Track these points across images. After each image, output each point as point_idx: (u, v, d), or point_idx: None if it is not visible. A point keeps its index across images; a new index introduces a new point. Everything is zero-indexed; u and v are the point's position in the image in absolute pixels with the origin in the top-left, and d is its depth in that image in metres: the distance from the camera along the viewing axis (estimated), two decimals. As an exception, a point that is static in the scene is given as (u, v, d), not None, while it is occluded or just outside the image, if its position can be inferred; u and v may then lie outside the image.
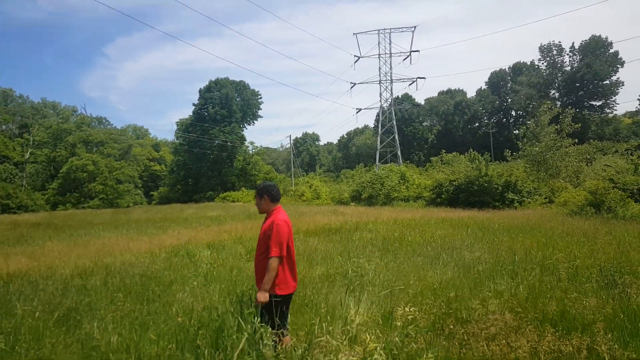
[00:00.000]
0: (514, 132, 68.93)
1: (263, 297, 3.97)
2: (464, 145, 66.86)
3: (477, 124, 78.90)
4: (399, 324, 4.52)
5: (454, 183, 26.12)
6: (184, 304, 5.80)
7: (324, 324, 4.36)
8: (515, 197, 23.63)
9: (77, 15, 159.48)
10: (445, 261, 8.20)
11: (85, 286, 7.10)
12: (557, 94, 64.78)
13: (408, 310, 4.63)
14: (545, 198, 23.29)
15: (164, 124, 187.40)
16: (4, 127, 61.15)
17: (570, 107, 37.18)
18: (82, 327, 5.02)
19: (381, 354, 3.88)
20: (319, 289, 6.47)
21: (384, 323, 4.72)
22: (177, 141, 73.77)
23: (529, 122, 33.55)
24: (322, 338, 4.10)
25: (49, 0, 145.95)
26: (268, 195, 4.26)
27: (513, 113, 76.44)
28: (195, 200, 59.27)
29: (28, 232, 17.37)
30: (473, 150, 44.46)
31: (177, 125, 74.29)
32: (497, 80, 77.07)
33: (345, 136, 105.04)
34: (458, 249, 9.33)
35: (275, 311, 3.99)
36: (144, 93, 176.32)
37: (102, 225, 19.96)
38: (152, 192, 75.06)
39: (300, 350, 4.02)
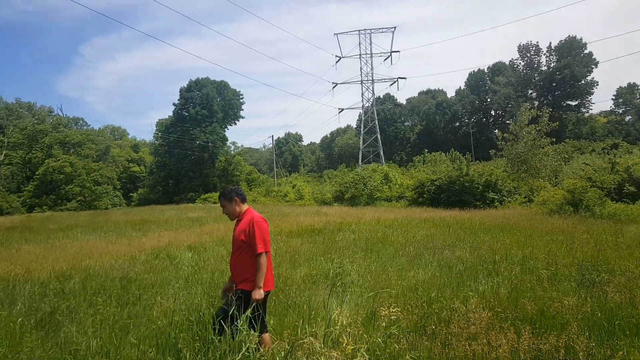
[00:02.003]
0: (494, 131, 70.11)
1: (258, 294, 3.97)
2: (446, 144, 67.74)
3: (457, 124, 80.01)
4: (382, 324, 4.54)
5: (436, 183, 26.36)
6: (165, 307, 5.71)
7: (307, 326, 4.34)
8: (496, 197, 23.98)
9: (53, 16, 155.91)
10: (427, 261, 8.27)
11: (64, 290, 6.95)
12: (534, 94, 66.10)
13: (391, 311, 4.65)
14: (525, 197, 23.70)
15: (143, 125, 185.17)
16: (-23, 128, 59.46)
17: (547, 106, 37.97)
18: (62, 331, 4.91)
19: (364, 355, 3.89)
20: (302, 290, 6.46)
21: (367, 324, 4.74)
22: (157, 142, 72.70)
23: (508, 122, 34.10)
24: (305, 340, 4.09)
25: (25, 1, 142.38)
26: (238, 196, 4.29)
27: (492, 113, 77.72)
28: (176, 202, 58.51)
29: (3, 236, 16.94)
30: (455, 150, 44.90)
31: (157, 125, 73.20)
32: (476, 81, 78.26)
33: (329, 136, 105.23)
34: (440, 249, 9.43)
35: (251, 308, 3.94)
36: (123, 93, 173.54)
37: (80, 228, 19.55)
38: (131, 194, 73.83)
39: (283, 353, 4.00)
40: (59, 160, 56.83)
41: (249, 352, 3.91)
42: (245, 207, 4.32)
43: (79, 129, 73.58)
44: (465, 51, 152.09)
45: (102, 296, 6.44)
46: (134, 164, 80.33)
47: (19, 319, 5.14)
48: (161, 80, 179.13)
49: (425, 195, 26.77)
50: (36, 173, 56.69)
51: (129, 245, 12.60)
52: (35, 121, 65.86)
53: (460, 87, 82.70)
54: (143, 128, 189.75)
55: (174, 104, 70.55)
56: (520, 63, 66.75)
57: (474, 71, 79.02)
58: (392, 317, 4.66)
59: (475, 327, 4.53)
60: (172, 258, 9.98)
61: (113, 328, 4.96)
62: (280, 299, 5.85)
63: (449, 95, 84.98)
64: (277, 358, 3.92)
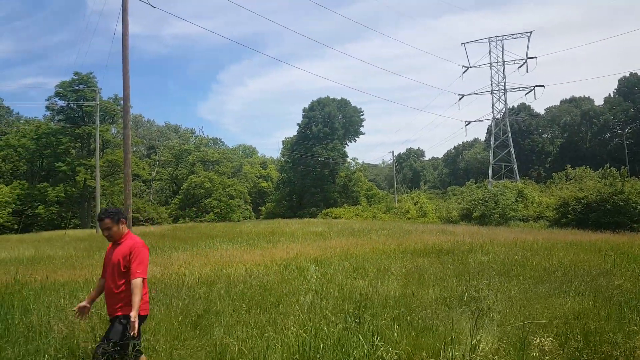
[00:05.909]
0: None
1: (134, 317, 3.97)
2: (593, 158, 60.35)
3: (608, 135, 70.66)
4: (533, 355, 4.11)
5: (583, 201, 23.51)
6: (300, 317, 5.92)
7: (449, 349, 4.12)
8: (659, 219, 20.58)
9: (195, 48, 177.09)
10: (578, 289, 7.34)
11: (210, 294, 7.63)
12: None
13: (545, 340, 4.19)
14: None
15: (270, 143, 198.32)
16: (135, 148, 69.64)
17: None
18: (213, 331, 5.38)
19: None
20: (435, 311, 6.19)
21: (515, 353, 4.33)
22: (283, 159, 77.31)
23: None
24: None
25: (172, 36, 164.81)
26: (126, 220, 4.43)
27: (653, 122, 67.31)
28: (299, 216, 61.06)
29: (156, 243, 19.17)
30: (610, 167, 38.37)
31: (283, 143, 78.00)
32: (629, 86, 68.68)
33: (453, 150, 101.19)
34: (593, 276, 8.31)
35: (135, 333, 4.00)
36: (252, 114, 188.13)
37: (219, 238, 21.36)
38: (260, 207, 79.18)
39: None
40: (200, 176, 63.85)
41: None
42: (126, 230, 4.39)
43: (217, 148, 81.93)
44: (615, 54, 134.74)
45: (244, 302, 6.93)
46: (262, 180, 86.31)
47: (179, 318, 5.76)
48: (285, 101, 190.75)
49: (569, 216, 24.05)
50: (181, 188, 64.36)
51: (262, 256, 13.43)
52: (181, 142, 75.19)
53: (610, 94, 73.50)
54: (270, 147, 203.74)
55: (297, 124, 74.40)
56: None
57: (625, 76, 69.65)
58: (546, 348, 4.20)
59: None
60: (300, 270, 10.37)
61: (255, 332, 5.28)
62: (414, 319, 5.67)
63: (596, 104, 75.96)
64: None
